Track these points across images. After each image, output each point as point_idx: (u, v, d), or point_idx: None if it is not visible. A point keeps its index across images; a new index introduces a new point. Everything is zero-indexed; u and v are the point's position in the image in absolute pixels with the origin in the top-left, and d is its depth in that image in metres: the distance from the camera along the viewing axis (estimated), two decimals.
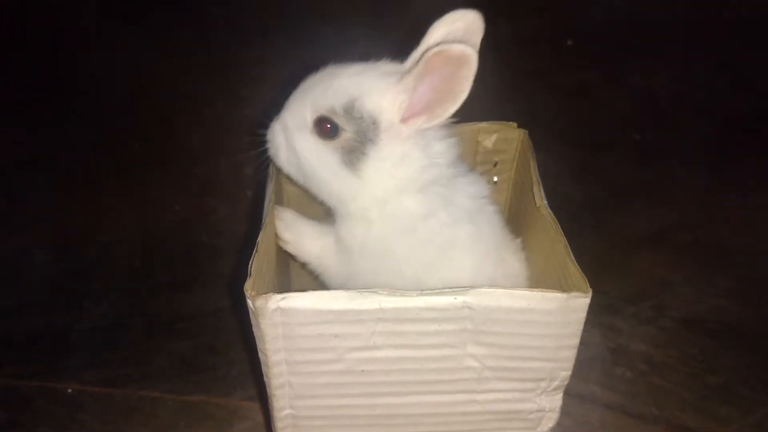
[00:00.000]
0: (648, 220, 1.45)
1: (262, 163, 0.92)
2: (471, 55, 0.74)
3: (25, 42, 2.15)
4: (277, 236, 0.91)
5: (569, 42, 2.13)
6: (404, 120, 0.81)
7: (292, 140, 0.84)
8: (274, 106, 0.89)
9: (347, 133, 0.81)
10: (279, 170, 0.91)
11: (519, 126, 1.03)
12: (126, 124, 1.75)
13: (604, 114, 1.82)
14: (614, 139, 1.72)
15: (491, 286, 0.69)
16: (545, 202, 0.85)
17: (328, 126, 0.81)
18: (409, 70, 0.79)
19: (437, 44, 0.75)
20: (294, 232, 0.92)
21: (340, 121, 0.81)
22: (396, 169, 0.82)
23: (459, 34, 0.81)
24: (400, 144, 0.81)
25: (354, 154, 0.81)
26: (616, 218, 1.45)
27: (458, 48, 0.74)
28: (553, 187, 0.88)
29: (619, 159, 1.64)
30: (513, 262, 0.92)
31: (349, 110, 0.80)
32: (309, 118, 0.82)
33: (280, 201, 0.98)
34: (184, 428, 1.01)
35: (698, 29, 2.22)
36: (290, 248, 0.93)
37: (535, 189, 0.87)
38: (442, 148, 0.84)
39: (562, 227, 0.80)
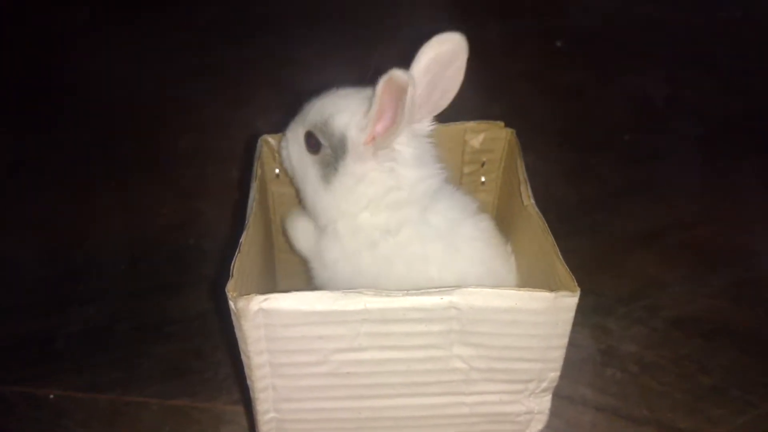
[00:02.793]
0: (641, 220, 1.44)
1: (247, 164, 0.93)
2: (405, 81, 0.73)
3: (19, 44, 2.14)
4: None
5: (558, 43, 2.12)
6: (366, 141, 0.82)
7: (290, 151, 0.91)
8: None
9: (326, 149, 0.86)
10: (263, 172, 0.94)
11: (510, 127, 1.02)
12: (115, 127, 1.73)
13: (596, 115, 1.81)
14: (606, 139, 1.71)
15: (478, 285, 0.68)
16: (533, 201, 0.84)
17: (313, 141, 0.87)
18: (373, 95, 0.79)
19: (389, 70, 0.75)
20: (294, 229, 0.98)
21: (321, 137, 0.86)
22: (357, 186, 0.85)
23: (447, 57, 0.81)
24: (362, 163, 0.84)
25: (329, 169, 0.86)
26: (609, 219, 1.44)
27: (397, 74, 0.73)
28: (546, 189, 0.87)
29: (611, 160, 1.63)
30: (504, 273, 0.90)
31: (325, 127, 0.85)
32: (301, 132, 0.88)
33: (264, 202, 0.97)
34: None
35: (689, 30, 2.22)
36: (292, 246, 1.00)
37: (522, 188, 0.86)
38: (412, 177, 0.84)
39: (554, 228, 0.79)
